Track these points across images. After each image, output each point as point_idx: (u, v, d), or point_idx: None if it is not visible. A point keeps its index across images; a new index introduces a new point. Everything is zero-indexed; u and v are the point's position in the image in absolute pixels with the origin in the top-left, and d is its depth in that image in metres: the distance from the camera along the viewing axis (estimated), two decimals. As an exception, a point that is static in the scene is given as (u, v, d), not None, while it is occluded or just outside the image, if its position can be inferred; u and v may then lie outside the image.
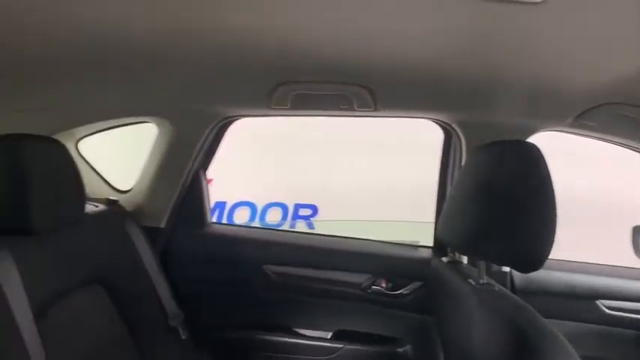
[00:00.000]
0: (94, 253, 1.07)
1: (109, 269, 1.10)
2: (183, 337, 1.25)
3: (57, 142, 0.97)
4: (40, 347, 0.79)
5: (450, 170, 1.34)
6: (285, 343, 1.37)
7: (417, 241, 1.43)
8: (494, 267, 1.33)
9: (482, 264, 0.89)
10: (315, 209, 3.40)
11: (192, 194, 1.38)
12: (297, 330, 1.41)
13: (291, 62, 0.93)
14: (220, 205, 3.04)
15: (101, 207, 1.22)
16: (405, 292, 1.36)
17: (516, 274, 1.36)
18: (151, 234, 1.29)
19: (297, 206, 3.43)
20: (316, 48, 0.84)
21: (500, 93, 1.06)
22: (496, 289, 0.87)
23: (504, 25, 0.71)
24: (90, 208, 1.16)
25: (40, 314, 0.84)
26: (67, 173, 0.98)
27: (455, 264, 1.11)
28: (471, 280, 0.90)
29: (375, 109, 1.14)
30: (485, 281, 0.88)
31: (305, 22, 0.73)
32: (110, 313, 1.09)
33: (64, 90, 1.09)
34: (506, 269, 1.32)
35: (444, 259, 1.16)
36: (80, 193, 1.00)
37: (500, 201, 0.79)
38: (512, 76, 0.96)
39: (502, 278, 1.32)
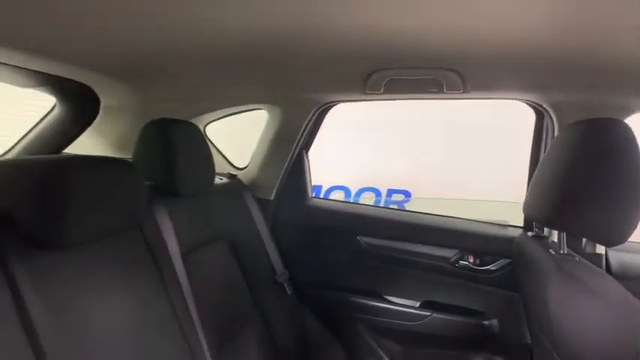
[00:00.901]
0: (221, 215, 1.30)
1: (231, 230, 1.33)
2: (288, 292, 1.46)
3: (194, 125, 1.22)
4: (187, 280, 1.03)
5: (541, 152, 1.34)
6: (376, 307, 1.51)
7: (507, 221, 1.47)
8: (589, 248, 1.31)
9: (563, 235, 0.93)
10: (408, 195, 3.47)
11: (297, 172, 1.57)
12: (387, 297, 1.53)
13: (384, 51, 1.04)
14: (316, 189, 3.28)
15: (225, 180, 1.47)
16: (493, 269, 1.41)
17: (612, 257, 1.33)
18: (263, 204, 1.52)
19: (390, 192, 3.52)
20: (407, 36, 0.93)
21: (596, 71, 1.05)
22: (577, 259, 0.91)
23: None
24: (217, 180, 1.41)
25: (184, 257, 1.09)
26: (201, 150, 1.22)
27: (539, 238, 1.15)
28: (551, 251, 0.95)
29: (465, 91, 1.20)
30: (565, 252, 0.92)
31: (396, 13, 0.83)
32: (231, 265, 1.32)
33: (199, 84, 1.33)
34: (601, 251, 1.30)
35: (529, 233, 1.19)
36: (211, 167, 1.24)
37: (586, 176, 0.83)
38: (611, 52, 0.95)
39: (597, 260, 1.31)
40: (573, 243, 1.17)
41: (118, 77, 1.27)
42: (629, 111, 1.15)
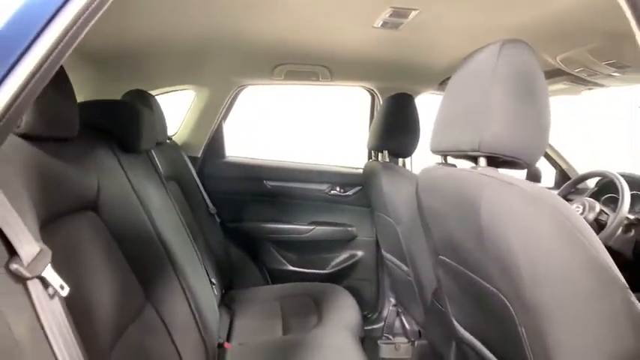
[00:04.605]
0: (171, 163, 1.83)
1: (177, 174, 1.87)
2: (219, 221, 2.05)
3: (151, 96, 1.73)
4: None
5: (375, 119, 2.22)
6: (279, 228, 2.19)
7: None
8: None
9: (385, 153, 1.77)
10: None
11: (217, 136, 2.16)
12: (286, 221, 2.23)
13: (284, 50, 1.71)
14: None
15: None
16: (351, 194, 2.24)
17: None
18: (192, 160, 2.07)
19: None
20: (298, 42, 1.62)
21: (401, 70, 1.93)
22: (395, 164, 1.76)
23: (404, 31, 1.46)
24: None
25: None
26: (158, 121, 1.73)
27: (375, 161, 1.98)
28: (379, 161, 1.79)
29: (332, 80, 1.99)
30: (387, 161, 1.77)
31: (295, 29, 1.46)
32: (181, 198, 1.85)
33: (149, 68, 1.84)
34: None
35: (370, 160, 2.03)
36: (165, 129, 1.77)
37: (389, 121, 1.69)
38: (408, 59, 1.81)
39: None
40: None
41: (88, 59, 1.70)
42: (419, 92, 2.09)
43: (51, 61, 0.57)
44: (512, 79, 0.77)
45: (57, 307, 0.56)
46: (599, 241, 0.67)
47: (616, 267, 0.68)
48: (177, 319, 1.10)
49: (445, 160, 1.01)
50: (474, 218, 0.77)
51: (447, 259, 1.00)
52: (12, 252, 0.52)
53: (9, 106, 0.55)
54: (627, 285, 0.69)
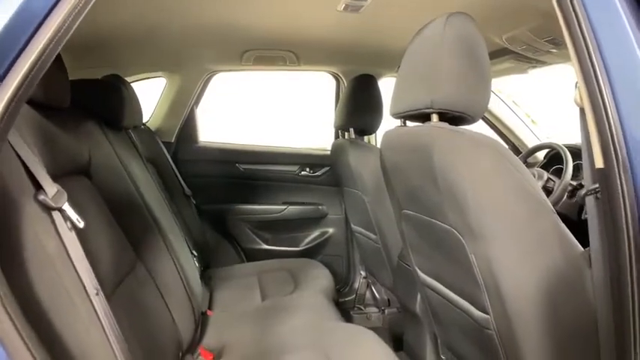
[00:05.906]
0: (148, 145, 1.88)
1: (154, 156, 1.92)
2: (194, 202, 2.12)
3: (126, 81, 1.78)
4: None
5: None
6: (253, 209, 2.29)
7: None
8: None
9: (351, 131, 1.90)
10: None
11: (190, 122, 2.23)
12: (259, 202, 2.32)
13: (252, 36, 1.78)
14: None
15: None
16: (320, 174, 2.36)
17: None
18: (166, 145, 2.13)
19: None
20: (266, 28, 1.71)
21: (365, 54, 2.05)
22: (360, 141, 1.88)
23: (364, 14, 1.54)
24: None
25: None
26: (134, 103, 1.79)
27: (343, 139, 2.10)
28: (346, 139, 1.91)
29: (299, 65, 2.09)
30: (354, 138, 1.90)
31: (262, 14, 1.53)
32: (159, 182, 1.91)
33: (121, 55, 1.88)
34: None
35: (337, 140, 2.15)
36: (141, 113, 1.82)
37: (352, 103, 1.81)
38: (363, 43, 1.92)
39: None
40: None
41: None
42: (381, 74, 2.20)
43: (54, 45, 0.63)
44: (457, 43, 0.91)
45: (75, 240, 0.65)
46: (530, 174, 0.82)
47: (544, 195, 0.82)
48: (167, 280, 1.18)
49: (404, 123, 1.14)
50: (428, 163, 0.90)
51: (410, 211, 1.13)
52: (37, 187, 0.60)
53: (25, 78, 0.62)
54: (555, 210, 0.84)
